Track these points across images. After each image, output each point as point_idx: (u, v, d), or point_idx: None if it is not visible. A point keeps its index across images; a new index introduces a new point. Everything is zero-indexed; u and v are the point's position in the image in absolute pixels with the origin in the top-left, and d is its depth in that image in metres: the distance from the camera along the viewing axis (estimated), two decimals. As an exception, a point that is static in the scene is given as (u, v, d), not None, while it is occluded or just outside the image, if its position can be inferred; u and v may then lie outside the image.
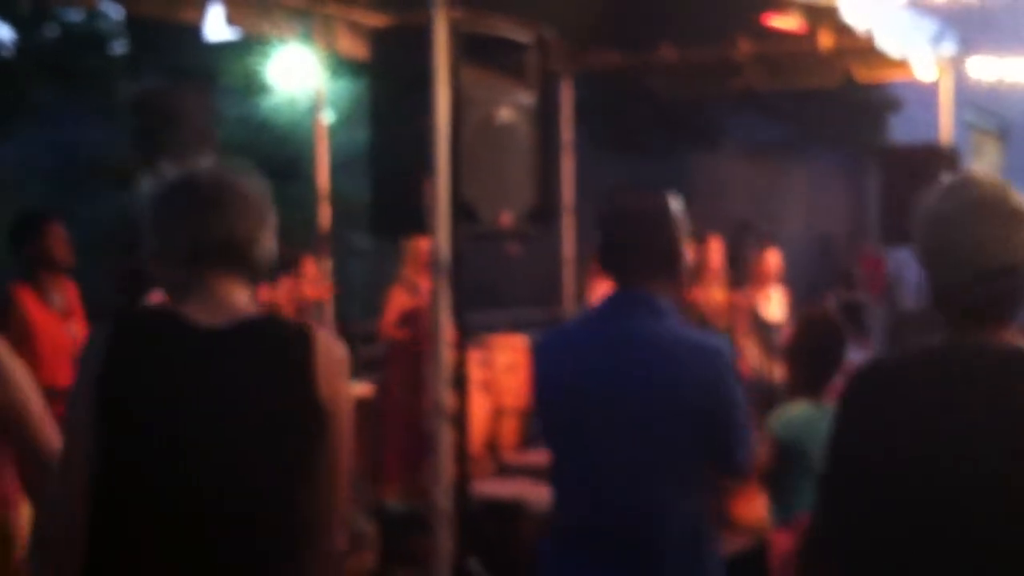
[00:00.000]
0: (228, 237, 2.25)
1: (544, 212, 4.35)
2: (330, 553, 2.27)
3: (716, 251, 8.24)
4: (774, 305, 8.40)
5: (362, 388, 7.60)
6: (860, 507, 2.11)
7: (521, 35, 4.29)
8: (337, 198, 7.40)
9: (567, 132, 8.22)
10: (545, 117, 4.39)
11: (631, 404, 2.64)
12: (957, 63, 8.00)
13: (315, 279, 7.44)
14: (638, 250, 2.74)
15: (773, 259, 8.55)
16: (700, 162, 14.81)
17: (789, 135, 15.31)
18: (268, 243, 2.31)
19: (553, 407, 2.82)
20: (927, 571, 2.05)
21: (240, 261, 2.27)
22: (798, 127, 15.06)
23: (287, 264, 7.32)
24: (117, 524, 2.15)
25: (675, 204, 2.79)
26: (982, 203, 2.09)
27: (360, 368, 8.50)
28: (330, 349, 2.25)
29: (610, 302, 2.79)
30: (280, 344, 2.22)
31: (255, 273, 2.30)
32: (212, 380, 2.17)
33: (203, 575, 2.14)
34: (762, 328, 8.20)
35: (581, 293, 8.01)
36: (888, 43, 6.66)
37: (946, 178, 2.20)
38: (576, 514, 2.75)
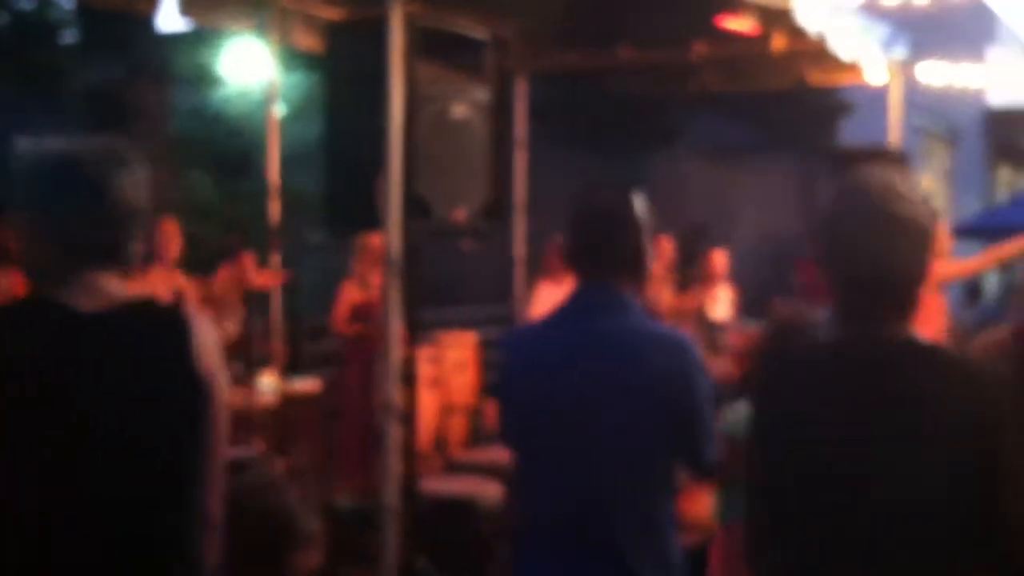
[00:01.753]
0: (108, 240, 2.29)
1: (498, 209, 4.34)
2: (210, 516, 2.37)
3: (665, 251, 8.27)
4: (721, 305, 8.45)
5: (310, 384, 7.55)
6: (776, 501, 2.25)
7: (478, 32, 4.27)
8: (289, 192, 7.35)
9: (521, 129, 8.21)
10: (500, 114, 4.38)
11: (603, 400, 2.64)
12: (907, 67, 8.08)
13: (255, 271, 7.39)
14: (605, 247, 2.76)
15: (720, 259, 8.60)
16: (658, 163, 14.85)
17: (746, 137, 15.41)
18: (140, 236, 2.35)
19: (523, 405, 2.80)
20: (833, 561, 2.14)
21: (117, 258, 2.33)
22: (754, 129, 15.17)
23: (227, 253, 7.28)
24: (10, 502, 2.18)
25: (640, 202, 2.82)
26: (864, 211, 2.18)
27: (310, 364, 8.46)
28: (204, 328, 2.36)
29: (578, 298, 2.79)
30: (159, 324, 2.32)
31: (129, 266, 2.34)
32: (99, 361, 2.24)
33: (98, 554, 2.21)
34: (707, 328, 8.26)
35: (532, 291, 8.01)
36: (840, 46, 6.71)
37: (847, 180, 2.28)
38: (548, 513, 2.74)
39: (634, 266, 2.78)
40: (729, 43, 7.53)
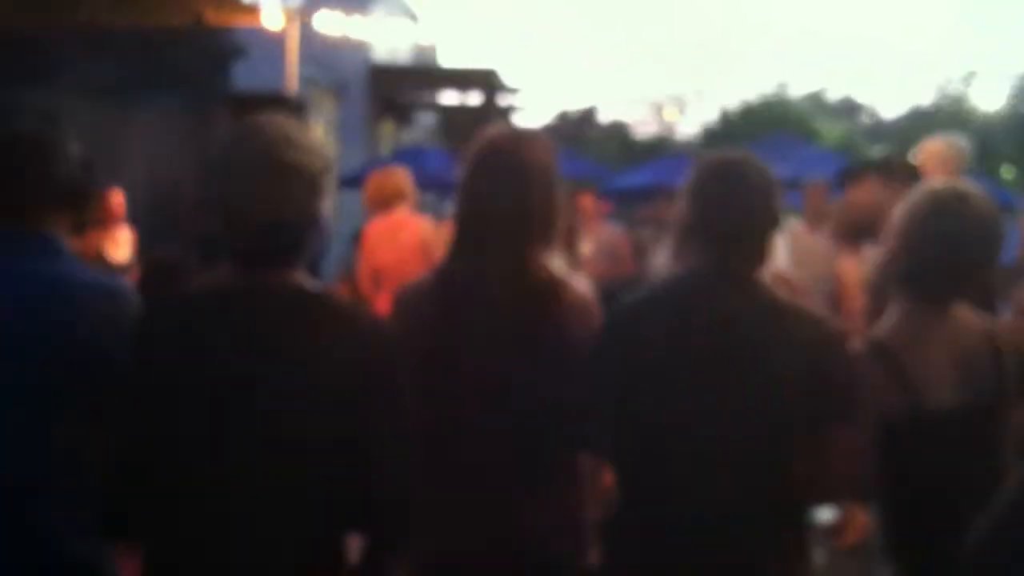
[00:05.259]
0: None
1: None
2: None
3: None
4: (123, 248, 8.13)
5: None
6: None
7: None
8: None
9: None
10: None
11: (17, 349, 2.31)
12: (304, 15, 8.22)
13: None
14: (36, 181, 2.42)
15: (117, 199, 8.25)
16: (32, 101, 13.81)
17: (129, 75, 14.82)
18: None
19: None
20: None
21: None
22: (138, 67, 14.63)
23: None
24: None
25: (67, 133, 2.52)
26: (255, 156, 2.15)
27: None
28: None
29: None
30: None
31: None
32: None
33: None
34: (108, 269, 7.91)
35: None
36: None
37: (239, 126, 2.24)
38: None
39: (69, 206, 2.48)
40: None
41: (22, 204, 2.43)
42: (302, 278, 2.19)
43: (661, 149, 28.22)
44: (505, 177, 2.52)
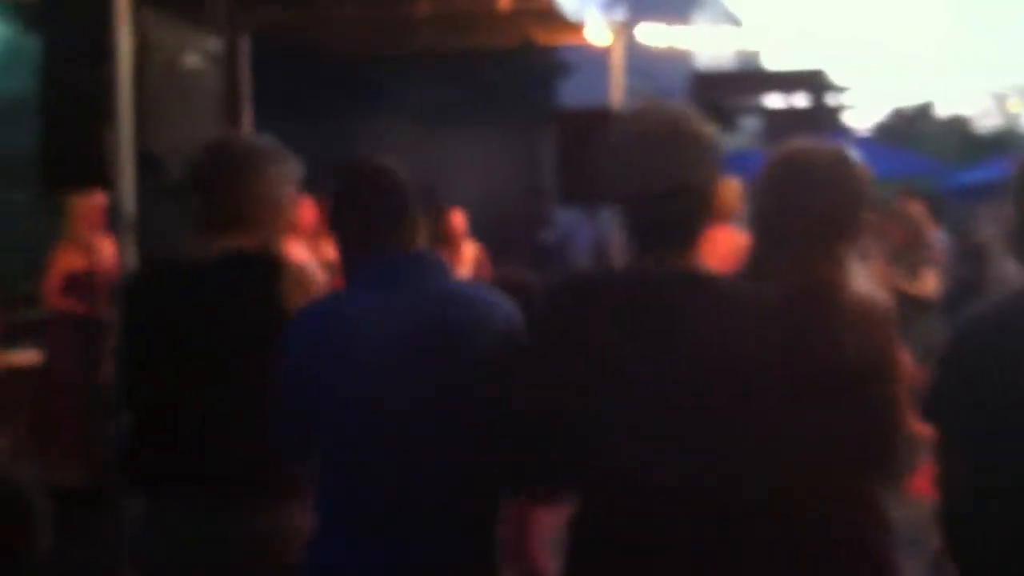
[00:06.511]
0: None
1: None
2: None
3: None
4: (466, 264, 8.46)
5: (26, 356, 7.07)
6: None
7: (206, -22, 4.06)
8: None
9: (245, 85, 7.91)
10: (232, 67, 4.18)
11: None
12: (628, 29, 8.29)
13: None
14: (405, 213, 2.58)
15: (458, 218, 8.59)
16: (368, 123, 14.60)
17: (459, 97, 15.41)
18: None
19: (343, 380, 2.46)
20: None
21: None
22: (468, 89, 15.19)
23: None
24: None
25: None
26: (647, 130, 2.20)
27: (22, 334, 7.93)
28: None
29: (391, 263, 2.57)
30: None
31: None
32: None
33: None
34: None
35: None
36: (566, 5, 6.80)
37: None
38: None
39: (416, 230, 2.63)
40: (454, 1, 7.46)
41: (393, 232, 2.56)
42: (698, 261, 2.21)
43: (1006, 143, 26.57)
44: (778, 188, 2.53)
